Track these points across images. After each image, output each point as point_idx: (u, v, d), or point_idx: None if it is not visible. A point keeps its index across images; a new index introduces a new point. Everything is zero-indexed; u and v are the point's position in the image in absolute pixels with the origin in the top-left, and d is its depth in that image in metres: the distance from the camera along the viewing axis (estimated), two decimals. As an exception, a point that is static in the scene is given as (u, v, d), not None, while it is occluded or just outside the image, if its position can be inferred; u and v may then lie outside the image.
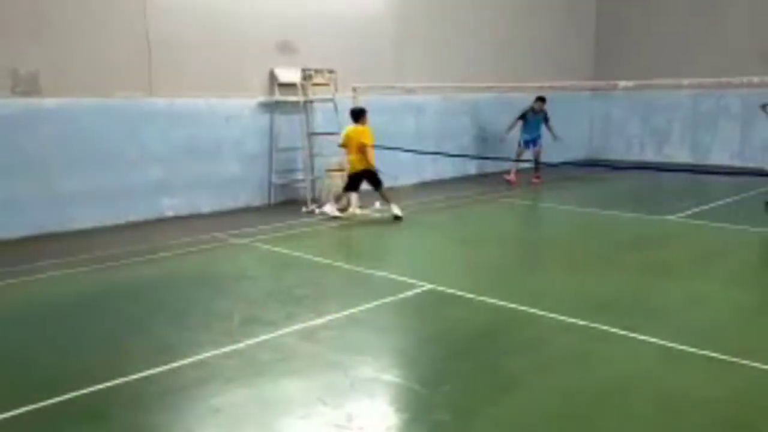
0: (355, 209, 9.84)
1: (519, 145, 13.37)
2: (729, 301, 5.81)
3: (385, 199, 9.66)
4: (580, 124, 17.18)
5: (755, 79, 8.69)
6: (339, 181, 10.22)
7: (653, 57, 15.73)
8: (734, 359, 4.44)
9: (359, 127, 9.48)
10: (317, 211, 9.87)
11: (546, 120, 13.33)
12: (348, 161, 9.63)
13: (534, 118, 13.26)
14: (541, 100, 13.19)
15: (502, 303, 5.67)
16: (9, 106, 8.06)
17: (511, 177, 13.02)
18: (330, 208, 9.64)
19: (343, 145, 9.69)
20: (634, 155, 16.64)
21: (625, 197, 11.42)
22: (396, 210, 9.42)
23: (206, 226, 8.99)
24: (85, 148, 8.75)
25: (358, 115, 9.59)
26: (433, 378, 4.29)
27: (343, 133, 9.68)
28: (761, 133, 14.74)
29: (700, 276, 6.60)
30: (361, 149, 9.34)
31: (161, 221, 9.39)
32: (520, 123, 13.27)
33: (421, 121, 13.11)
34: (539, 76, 13.93)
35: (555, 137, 13.25)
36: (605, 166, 14.81)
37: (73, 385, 4.15)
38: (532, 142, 13.34)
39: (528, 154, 13.37)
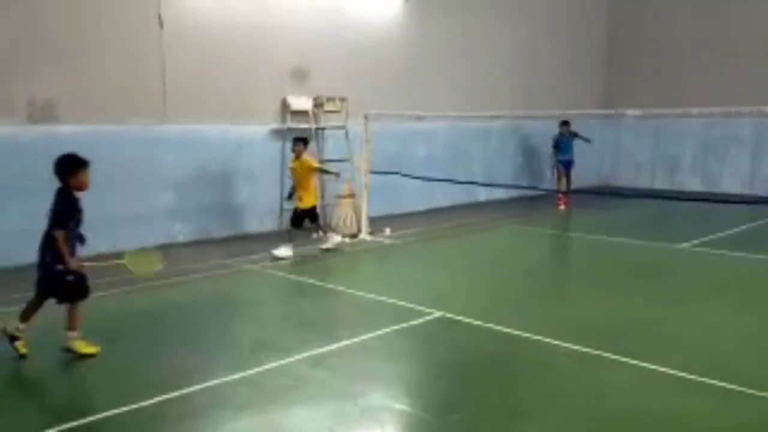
0: (287, 252, 8.80)
1: (556, 170, 13.82)
2: (738, 330, 5.78)
3: (322, 230, 9.31)
4: (590, 151, 17.16)
5: (766, 109, 8.72)
6: (349, 208, 10.28)
7: (664, 85, 15.80)
8: (743, 389, 4.41)
9: (303, 159, 8.94)
10: (274, 253, 8.78)
11: (576, 136, 13.76)
12: (297, 197, 9.04)
13: (565, 141, 13.73)
14: (566, 123, 13.59)
15: (511, 330, 5.66)
16: (26, 133, 8.21)
17: (561, 203, 13.43)
18: (283, 251, 8.75)
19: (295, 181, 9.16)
20: (645, 183, 16.63)
21: (635, 225, 11.40)
22: (328, 244, 9.10)
23: (218, 251, 9.05)
24: (100, 173, 8.75)
25: (301, 142, 8.97)
26: (443, 406, 4.28)
27: (290, 166, 9.33)
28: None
29: (710, 305, 6.57)
30: (312, 174, 9.04)
31: (173, 246, 9.45)
32: (553, 151, 13.80)
33: (431, 148, 13.19)
34: (550, 105, 14.02)
35: (588, 140, 13.87)
36: (615, 194, 14.81)
37: (85, 411, 4.18)
38: (566, 164, 13.77)
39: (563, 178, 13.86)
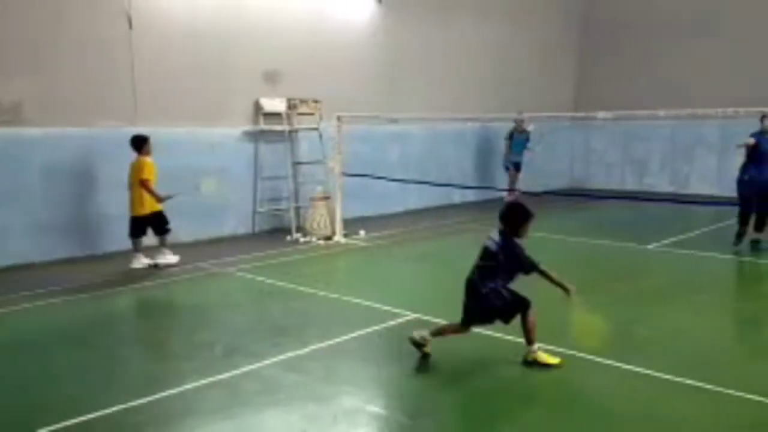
0: (139, 263, 8.22)
1: (507, 168, 13.90)
2: (711, 329, 5.87)
3: (162, 245, 8.41)
4: (561, 154, 17.41)
5: (730, 111, 8.92)
6: (323, 210, 10.24)
7: (632, 89, 16.04)
8: (719, 389, 4.47)
9: (139, 159, 8.18)
10: (134, 263, 8.25)
11: (527, 138, 13.82)
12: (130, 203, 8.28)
13: (518, 138, 13.75)
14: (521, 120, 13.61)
15: (486, 332, 5.67)
16: (-8, 135, 8.04)
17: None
18: (137, 263, 8.20)
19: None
20: (615, 184, 16.87)
21: (606, 226, 11.54)
22: (161, 259, 8.29)
23: (189, 255, 8.93)
24: (68, 177, 8.72)
25: (138, 144, 8.20)
26: (418, 409, 4.28)
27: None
28: (737, 162, 15.03)
29: (681, 305, 6.66)
30: (141, 185, 8.06)
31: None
32: (507, 143, 13.84)
33: (405, 150, 13.22)
34: (522, 107, 14.14)
35: (532, 149, 13.95)
36: (586, 195, 14.98)
37: (52, 418, 4.08)
38: (515, 165, 13.82)
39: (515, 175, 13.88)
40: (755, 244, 9.08)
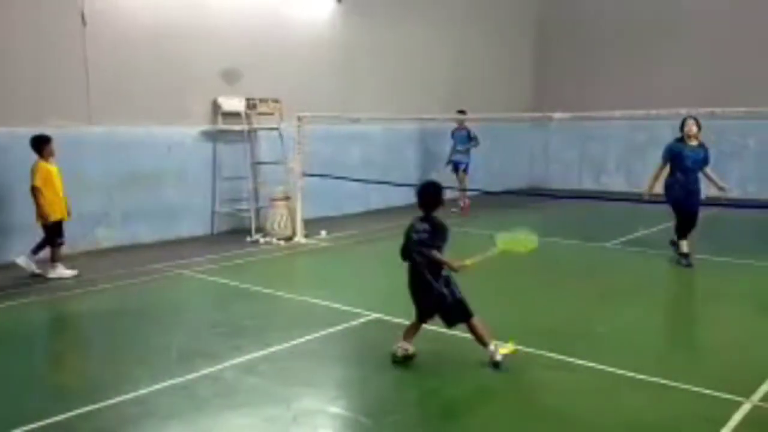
0: (31, 267, 7.74)
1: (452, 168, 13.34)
2: (665, 326, 6.02)
3: (52, 258, 7.79)
4: (520, 154, 17.64)
5: (682, 111, 9.15)
6: (284, 211, 10.16)
7: (588, 91, 16.35)
8: (675, 384, 4.56)
9: (36, 163, 7.62)
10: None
11: (468, 134, 13.24)
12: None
13: (459, 135, 13.24)
14: (461, 112, 12.82)
15: (446, 331, 5.70)
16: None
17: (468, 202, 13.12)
18: (24, 261, 7.74)
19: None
20: (573, 183, 17.16)
21: (563, 225, 11.73)
22: (51, 273, 7.70)
23: (146, 257, 8.76)
24: (18, 178, 8.43)
25: (37, 145, 7.66)
26: (379, 409, 4.27)
27: None
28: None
29: (634, 302, 6.81)
30: (31, 192, 7.54)
31: (98, 252, 9.10)
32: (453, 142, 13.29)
33: (366, 150, 13.21)
34: (481, 108, 14.28)
35: (474, 142, 13.29)
36: (545, 194, 15.20)
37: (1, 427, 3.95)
38: (454, 164, 13.30)
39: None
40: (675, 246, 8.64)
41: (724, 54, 14.80)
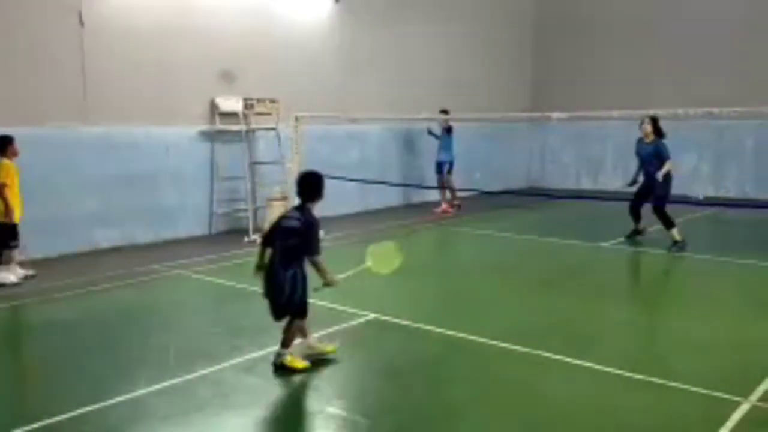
0: (10, 275, 7.48)
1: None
2: (661, 325, 6.02)
3: (7, 261, 7.52)
4: (518, 154, 17.65)
5: (680, 111, 9.17)
6: (282, 210, 10.12)
7: (586, 91, 16.35)
8: (673, 384, 4.56)
9: (2, 161, 7.44)
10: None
11: (449, 131, 12.91)
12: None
13: (442, 135, 13.00)
14: (443, 112, 12.66)
15: (444, 331, 5.70)
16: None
17: (445, 207, 13.03)
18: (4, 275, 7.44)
19: None
20: (571, 184, 17.17)
21: (561, 225, 11.74)
22: (12, 277, 7.43)
23: (144, 257, 8.74)
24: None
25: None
26: (377, 409, 4.27)
27: None
28: (688, 162, 15.49)
29: (631, 302, 6.82)
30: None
31: (96, 253, 9.08)
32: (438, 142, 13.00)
33: (364, 150, 13.20)
34: (480, 108, 14.29)
35: (437, 136, 13.04)
36: (543, 195, 15.21)
37: (-3, 428, 3.94)
38: (438, 164, 13.10)
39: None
40: (632, 236, 9.78)
41: (724, 54, 14.82)
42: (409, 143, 14.25)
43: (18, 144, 7.66)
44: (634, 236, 9.77)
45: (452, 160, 13.10)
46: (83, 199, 9.08)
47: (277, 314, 4.81)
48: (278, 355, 4.82)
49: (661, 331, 5.84)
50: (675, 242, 9.04)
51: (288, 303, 4.75)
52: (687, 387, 4.49)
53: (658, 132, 9.44)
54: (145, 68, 9.64)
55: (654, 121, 9.36)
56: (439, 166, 13.15)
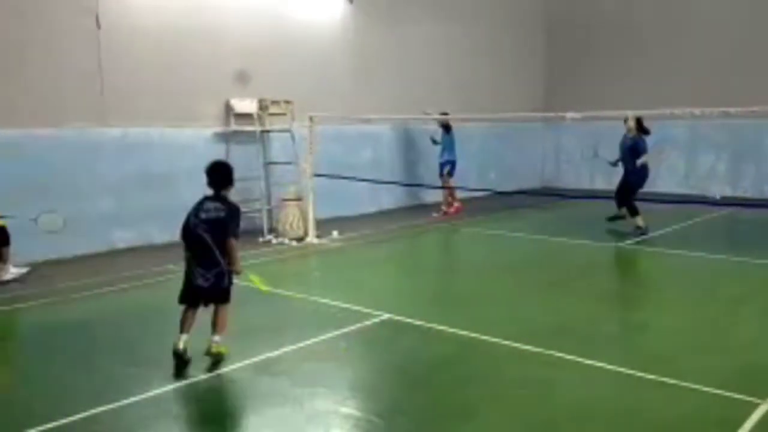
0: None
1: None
2: (674, 326, 5.97)
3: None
4: (532, 154, 17.59)
5: (697, 111, 9.09)
6: (295, 211, 10.19)
7: (599, 90, 16.25)
8: (685, 384, 4.54)
9: None
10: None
11: (448, 130, 12.62)
12: None
13: (443, 136, 12.67)
14: (445, 114, 12.40)
15: (457, 331, 5.70)
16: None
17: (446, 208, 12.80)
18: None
19: None
20: (585, 184, 17.06)
21: (574, 225, 11.68)
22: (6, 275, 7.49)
23: (160, 257, 8.81)
24: (34, 179, 8.53)
25: None
26: (391, 409, 4.28)
27: None
28: (705, 161, 15.36)
29: (647, 302, 6.78)
30: None
31: (113, 253, 9.18)
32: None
33: (377, 150, 13.22)
34: (493, 108, 14.24)
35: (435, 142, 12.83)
36: (556, 195, 15.14)
37: (11, 428, 3.98)
38: (440, 165, 12.81)
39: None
40: (613, 219, 10.72)
41: (740, 53, 14.67)
42: (421, 143, 14.24)
43: (37, 145, 7.75)
44: (614, 219, 10.75)
45: (453, 160, 12.79)
46: (100, 199, 9.17)
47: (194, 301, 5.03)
48: (214, 343, 4.95)
49: (673, 332, 5.80)
50: (638, 227, 10.16)
51: (225, 288, 5.01)
52: (704, 388, 4.46)
53: (642, 129, 10.58)
54: (160, 70, 9.72)
55: (638, 120, 10.53)
56: (441, 167, 12.90)
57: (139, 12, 9.50)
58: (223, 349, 4.95)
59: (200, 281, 4.89)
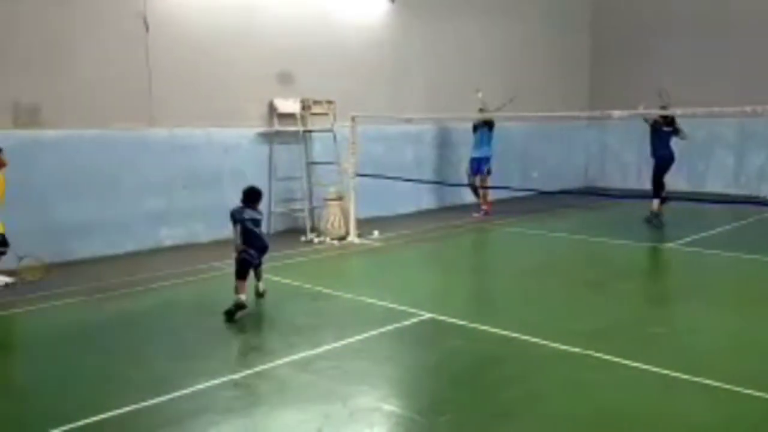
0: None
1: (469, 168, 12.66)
2: (723, 328, 5.82)
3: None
4: (575, 153, 17.33)
5: (748, 109, 8.81)
6: (337, 210, 10.27)
7: (649, 86, 15.88)
8: (728, 386, 4.44)
9: None
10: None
11: (490, 128, 12.39)
12: None
13: (479, 131, 12.48)
14: (482, 110, 12.15)
15: (499, 331, 5.67)
16: (10, 138, 8.10)
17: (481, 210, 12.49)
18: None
19: None
20: (632, 183, 16.72)
21: (622, 225, 11.47)
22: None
23: (205, 255, 8.99)
24: (84, 179, 8.81)
25: None
26: (432, 408, 4.28)
27: None
28: (756, 160, 14.89)
29: (695, 303, 6.61)
30: None
31: (160, 251, 9.40)
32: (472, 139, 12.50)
33: (419, 150, 13.22)
34: (538, 107, 14.08)
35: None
36: (602, 194, 14.89)
37: (65, 419, 4.11)
38: (476, 162, 12.48)
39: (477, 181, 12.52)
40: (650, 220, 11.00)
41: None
42: (464, 142, 14.15)
43: (87, 145, 7.97)
44: (651, 220, 11.02)
45: (489, 157, 12.47)
46: (148, 199, 9.41)
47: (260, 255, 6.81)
48: (263, 290, 6.97)
49: (719, 334, 5.65)
50: (651, 211, 10.88)
51: (266, 249, 6.87)
52: (744, 390, 4.34)
53: (670, 124, 11.32)
54: (206, 71, 9.92)
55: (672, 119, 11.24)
56: (478, 164, 12.53)
57: (186, 14, 9.70)
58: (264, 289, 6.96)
59: (251, 258, 6.62)
